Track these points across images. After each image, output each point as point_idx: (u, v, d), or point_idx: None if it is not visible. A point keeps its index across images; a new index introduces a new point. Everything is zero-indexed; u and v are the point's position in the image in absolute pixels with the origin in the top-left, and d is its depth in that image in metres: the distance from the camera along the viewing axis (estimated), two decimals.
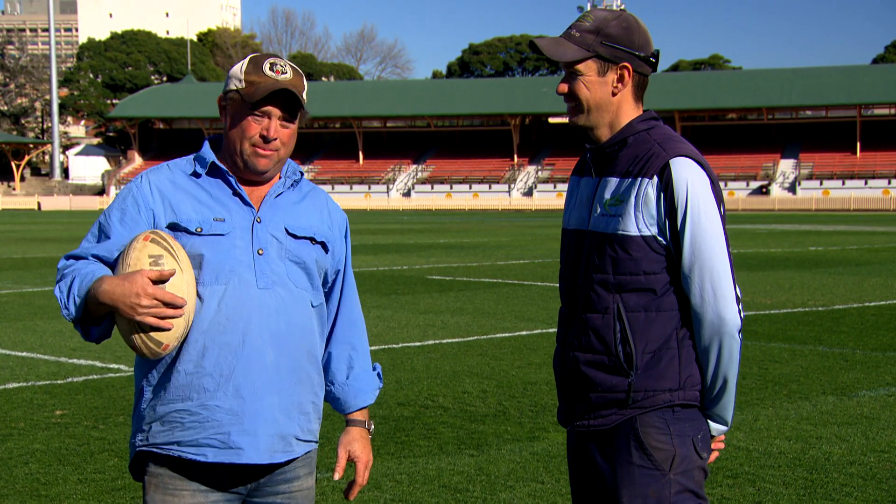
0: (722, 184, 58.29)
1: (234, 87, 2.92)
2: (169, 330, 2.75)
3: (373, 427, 3.20)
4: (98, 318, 2.80)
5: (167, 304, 2.72)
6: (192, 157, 3.02)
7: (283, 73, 2.92)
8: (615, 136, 2.95)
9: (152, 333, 2.74)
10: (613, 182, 2.91)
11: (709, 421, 2.99)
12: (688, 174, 2.83)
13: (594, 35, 2.91)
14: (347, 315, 3.14)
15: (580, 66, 2.92)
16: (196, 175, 2.96)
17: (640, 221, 2.85)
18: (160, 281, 2.74)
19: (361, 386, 3.14)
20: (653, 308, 2.87)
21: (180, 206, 2.90)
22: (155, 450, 2.89)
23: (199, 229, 2.88)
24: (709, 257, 2.83)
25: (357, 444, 3.12)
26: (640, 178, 2.85)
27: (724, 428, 3.01)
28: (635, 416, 2.88)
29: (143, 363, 2.93)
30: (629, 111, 2.96)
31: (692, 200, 2.82)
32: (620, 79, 2.93)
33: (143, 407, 2.92)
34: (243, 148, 2.93)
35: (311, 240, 3.03)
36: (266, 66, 2.91)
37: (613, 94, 2.93)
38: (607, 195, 2.92)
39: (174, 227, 2.89)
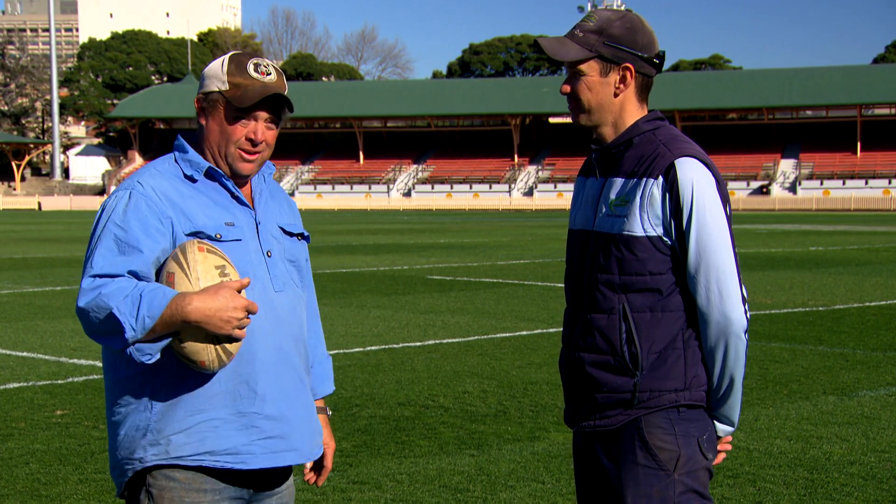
0: None
1: (216, 89, 2.86)
2: (241, 339, 2.72)
3: (330, 412, 3.24)
4: (158, 337, 2.66)
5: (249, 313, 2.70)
6: (172, 158, 2.91)
7: (267, 74, 2.89)
8: (620, 137, 2.94)
9: (226, 344, 2.70)
10: (619, 182, 2.91)
11: (715, 422, 2.98)
12: (693, 174, 2.83)
13: (597, 35, 2.91)
14: (312, 306, 3.16)
15: (582, 67, 2.92)
16: (192, 180, 2.87)
17: (646, 222, 2.85)
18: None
19: (324, 373, 3.19)
20: (658, 308, 2.87)
21: (193, 213, 2.82)
22: (179, 462, 2.79)
23: (218, 235, 2.83)
24: (715, 257, 2.83)
25: (325, 432, 3.13)
26: (645, 179, 2.85)
27: (730, 429, 3.00)
28: (640, 417, 2.88)
29: (147, 375, 2.78)
30: (633, 112, 2.95)
31: (697, 200, 2.82)
32: (623, 79, 2.92)
33: (152, 420, 2.78)
34: (228, 151, 2.89)
35: (300, 235, 3.06)
36: (251, 68, 2.87)
37: (616, 95, 2.93)
38: (613, 195, 2.91)
39: (195, 235, 2.80)
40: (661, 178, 2.84)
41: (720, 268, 2.83)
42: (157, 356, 2.69)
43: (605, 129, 2.97)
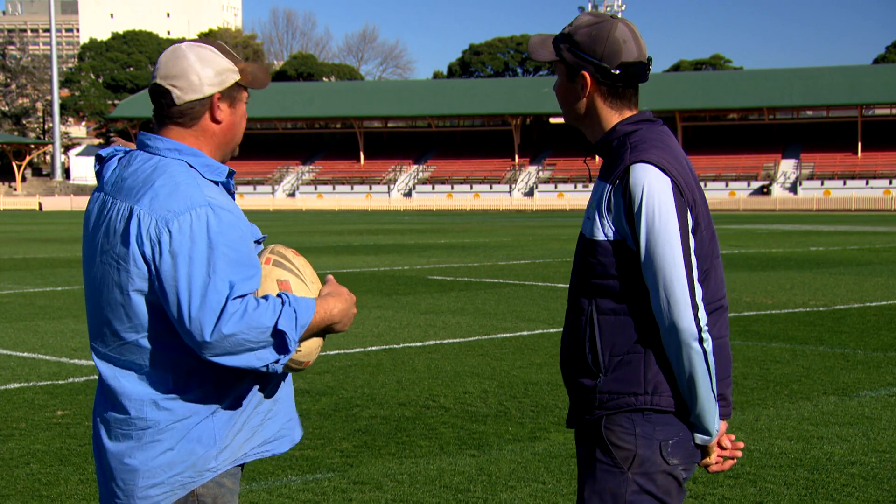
0: (722, 184, 57.54)
1: (234, 80, 2.84)
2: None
3: None
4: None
5: None
6: (184, 164, 2.78)
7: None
8: (599, 140, 2.98)
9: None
10: (596, 186, 2.96)
11: (693, 430, 2.94)
12: (645, 179, 2.81)
13: (565, 39, 2.96)
14: None
15: (557, 68, 3.00)
16: (216, 184, 2.83)
17: (606, 227, 2.86)
18: None
19: None
20: (621, 312, 2.87)
21: (245, 218, 2.84)
22: (243, 461, 2.85)
23: (263, 238, 2.90)
24: (662, 264, 2.79)
25: None
26: (607, 184, 2.88)
27: (706, 437, 2.93)
28: (604, 416, 2.91)
29: (213, 388, 2.75)
30: (609, 117, 2.97)
31: (647, 204, 2.79)
32: (583, 86, 2.95)
33: (220, 428, 2.78)
34: (238, 140, 2.93)
35: None
36: (232, 52, 2.89)
37: (578, 100, 2.97)
38: (591, 199, 2.96)
39: (258, 242, 2.85)
40: (617, 183, 2.85)
41: (667, 275, 2.79)
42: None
43: (585, 130, 3.02)
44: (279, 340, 2.64)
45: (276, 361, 2.67)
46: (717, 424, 2.92)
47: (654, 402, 2.87)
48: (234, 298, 2.63)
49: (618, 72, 2.91)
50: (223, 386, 2.78)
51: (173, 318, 2.66)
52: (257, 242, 2.87)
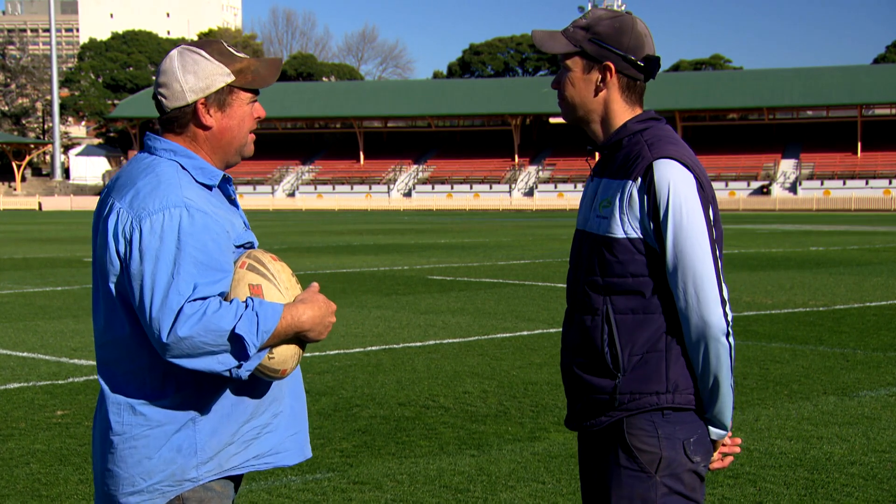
0: (722, 184, 57.46)
1: (223, 84, 2.80)
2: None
3: None
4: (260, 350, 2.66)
5: None
6: (176, 166, 2.77)
7: (238, 50, 2.89)
8: (610, 138, 2.95)
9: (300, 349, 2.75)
10: (606, 183, 2.93)
11: (709, 426, 2.95)
12: (671, 175, 2.81)
13: (584, 31, 2.94)
14: None
15: (569, 62, 2.96)
16: (207, 188, 2.80)
17: (626, 224, 2.84)
18: None
19: None
20: (640, 310, 2.86)
21: (232, 223, 2.79)
22: (230, 473, 2.80)
23: (249, 243, 2.84)
24: (691, 259, 2.79)
25: None
26: (626, 181, 2.85)
27: (721, 432, 2.96)
28: (623, 419, 2.88)
29: (192, 395, 2.71)
30: (622, 112, 2.95)
31: (674, 202, 2.79)
32: (603, 78, 2.93)
33: (201, 439, 2.73)
34: (245, 140, 2.89)
35: None
36: (233, 50, 2.85)
37: (596, 94, 2.94)
38: (601, 197, 2.93)
39: (243, 247, 2.80)
40: (639, 180, 2.83)
41: (696, 271, 2.79)
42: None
43: (594, 126, 2.99)
44: (238, 345, 2.59)
45: (239, 367, 2.62)
46: (730, 419, 2.95)
47: (676, 401, 2.87)
48: (194, 300, 2.59)
49: (641, 64, 2.92)
50: (203, 393, 2.73)
51: (140, 318, 2.65)
52: (245, 247, 2.81)
